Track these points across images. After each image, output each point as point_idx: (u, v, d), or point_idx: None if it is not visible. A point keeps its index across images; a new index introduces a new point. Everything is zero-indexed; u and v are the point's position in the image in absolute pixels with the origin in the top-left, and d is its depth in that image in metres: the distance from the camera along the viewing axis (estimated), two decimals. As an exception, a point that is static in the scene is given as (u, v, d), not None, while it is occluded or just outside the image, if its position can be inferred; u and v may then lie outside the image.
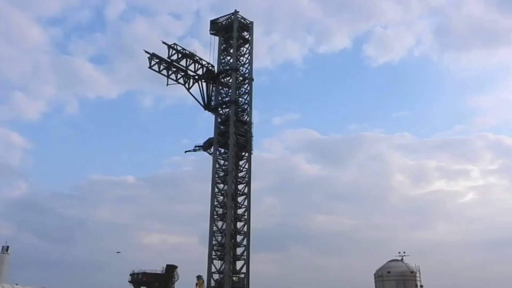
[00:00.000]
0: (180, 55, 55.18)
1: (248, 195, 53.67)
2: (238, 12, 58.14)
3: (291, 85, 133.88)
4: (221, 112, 56.74)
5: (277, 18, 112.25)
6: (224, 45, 58.67)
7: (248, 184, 53.94)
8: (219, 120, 56.51)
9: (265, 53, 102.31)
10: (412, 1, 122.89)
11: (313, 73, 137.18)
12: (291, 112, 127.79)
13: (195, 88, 56.91)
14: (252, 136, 55.81)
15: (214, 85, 57.37)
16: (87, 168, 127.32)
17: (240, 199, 53.94)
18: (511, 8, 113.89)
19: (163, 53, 54.43)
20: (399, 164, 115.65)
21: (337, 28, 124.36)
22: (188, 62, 55.94)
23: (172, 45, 54.96)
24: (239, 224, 52.93)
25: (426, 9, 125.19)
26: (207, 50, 58.71)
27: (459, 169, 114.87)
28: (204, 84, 56.84)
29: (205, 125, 61.24)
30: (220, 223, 52.87)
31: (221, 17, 59.01)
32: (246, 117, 56.82)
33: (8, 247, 53.40)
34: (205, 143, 56.55)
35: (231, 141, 54.29)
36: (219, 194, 54.29)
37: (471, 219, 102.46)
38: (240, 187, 54.20)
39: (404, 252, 45.75)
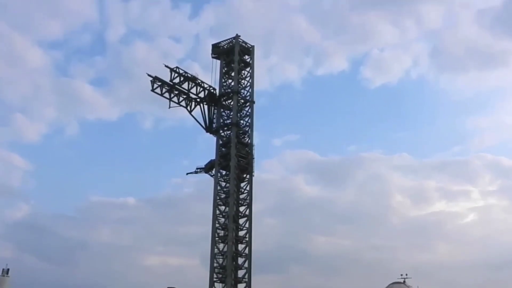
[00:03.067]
0: (182, 78, 54.95)
1: (249, 217, 53.72)
2: (239, 36, 58.65)
3: (290, 107, 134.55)
4: (222, 134, 56.92)
5: (276, 41, 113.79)
6: (225, 68, 59.16)
7: (249, 206, 54.04)
8: (220, 142, 56.62)
9: (265, 75, 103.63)
10: (408, 24, 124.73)
11: (312, 95, 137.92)
12: (291, 133, 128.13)
13: (196, 111, 57.15)
14: (253, 158, 55.83)
15: (215, 107, 57.70)
16: (88, 189, 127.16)
17: (241, 221, 53.94)
18: (503, 31, 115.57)
19: (164, 75, 54.85)
20: (398, 184, 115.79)
21: (335, 50, 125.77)
22: (190, 85, 56.22)
23: (174, 69, 55.28)
24: (241, 247, 52.91)
25: (422, 32, 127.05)
26: (207, 73, 59.31)
27: (459, 190, 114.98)
28: (205, 106, 57.26)
29: (206, 147, 60.37)
30: (221, 245, 52.84)
31: (222, 41, 59.55)
32: (247, 139, 56.93)
33: (8, 269, 52.96)
34: (206, 165, 56.42)
35: (233, 163, 54.28)
36: (220, 216, 54.28)
37: (472, 240, 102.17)
38: (241, 209, 54.23)
39: (406, 274, 45.47)
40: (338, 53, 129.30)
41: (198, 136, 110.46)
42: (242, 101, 56.89)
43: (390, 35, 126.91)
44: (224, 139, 55.53)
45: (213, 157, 55.36)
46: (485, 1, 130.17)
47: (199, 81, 55.25)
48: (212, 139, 56.27)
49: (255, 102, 57.07)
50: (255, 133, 56.24)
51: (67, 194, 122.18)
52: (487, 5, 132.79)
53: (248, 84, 57.35)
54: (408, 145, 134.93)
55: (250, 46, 58.72)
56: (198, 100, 55.69)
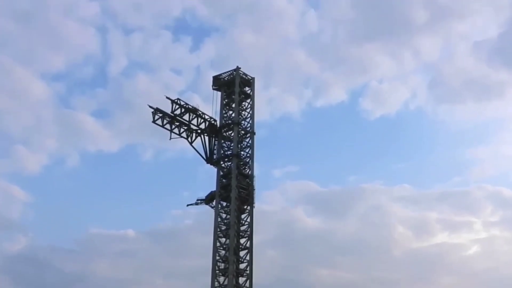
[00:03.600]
0: (183, 110, 54.99)
1: (250, 250, 53.22)
2: (240, 68, 59.16)
3: (290, 138, 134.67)
4: (223, 165, 56.67)
5: (276, 73, 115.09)
6: (226, 100, 59.44)
7: (250, 238, 53.53)
8: (221, 173, 56.30)
9: (265, 107, 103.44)
10: (405, 56, 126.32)
11: (312, 126, 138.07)
12: (291, 164, 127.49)
13: (197, 142, 57.07)
14: (254, 189, 55.64)
15: (216, 138, 57.78)
16: (87, 221, 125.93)
17: (242, 253, 53.43)
18: (500, 63, 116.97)
19: (165, 107, 55.31)
20: (400, 216, 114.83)
21: (334, 82, 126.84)
22: (191, 117, 56.53)
23: (176, 100, 55.57)
24: (241, 280, 52.22)
25: (419, 63, 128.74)
26: (208, 104, 59.64)
27: (461, 221, 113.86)
28: (206, 137, 57.45)
29: (206, 178, 59.89)
30: (222, 279, 52.15)
31: (223, 73, 59.97)
32: (248, 170, 56.67)
33: (4, 303, 51.13)
34: (207, 196, 56.13)
35: (233, 194, 53.91)
36: (221, 248, 53.72)
37: (475, 272, 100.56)
38: (242, 241, 53.70)
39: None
40: (337, 84, 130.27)
41: (198, 167, 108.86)
42: (243, 132, 56.63)
43: (388, 67, 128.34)
44: (225, 170, 54.99)
45: (214, 189, 54.77)
46: (482, 33, 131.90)
47: (200, 112, 55.33)
48: (212, 170, 55.85)
49: (256, 133, 56.89)
50: (255, 164, 55.53)
51: (66, 226, 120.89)
52: (483, 37, 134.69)
53: (249, 115, 57.33)
54: (408, 176, 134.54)
55: (250, 78, 58.70)
56: (199, 131, 55.60)
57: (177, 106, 54.26)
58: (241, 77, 57.78)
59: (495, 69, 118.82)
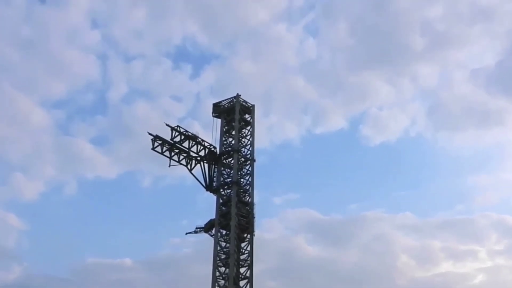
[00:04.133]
0: (183, 137, 54.51)
1: (250, 280, 52.30)
2: (240, 95, 59.38)
3: (290, 165, 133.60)
4: (222, 193, 55.92)
5: (275, 100, 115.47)
6: (226, 127, 58.53)
7: (250, 267, 52.63)
8: (220, 201, 55.65)
9: (265, 134, 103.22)
10: (404, 84, 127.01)
11: (312, 153, 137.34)
12: (291, 192, 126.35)
13: (196, 169, 56.56)
14: (254, 217, 54.89)
15: (216, 166, 57.37)
16: (84, 249, 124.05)
17: (242, 283, 52.50)
18: (498, 90, 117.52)
19: (165, 134, 55.17)
20: (403, 244, 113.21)
21: (333, 109, 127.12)
22: (190, 144, 56.09)
23: (175, 127, 55.45)
24: (242, 310, 49.77)
25: (418, 90, 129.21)
26: (207, 131, 59.60)
27: (466, 250, 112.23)
28: (206, 165, 56.99)
29: (205, 206, 59.62)
30: (221, 309, 49.63)
31: (223, 101, 60.13)
32: (248, 198, 55.97)
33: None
34: (206, 224, 55.26)
35: (233, 222, 53.09)
36: (220, 278, 52.74)
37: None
38: (242, 270, 52.74)
39: None
40: (336, 111, 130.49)
41: (197, 195, 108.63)
42: (243, 159, 56.19)
43: (387, 94, 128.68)
44: (225, 198, 54.34)
45: (213, 216, 54.07)
46: (479, 61, 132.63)
47: (200, 139, 54.99)
48: (212, 198, 55.26)
49: (256, 161, 56.47)
50: (255, 192, 54.81)
51: (62, 254, 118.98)
52: (480, 65, 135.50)
53: (249, 142, 57.07)
54: (411, 203, 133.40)
55: (250, 105, 58.80)
56: (199, 158, 55.16)
57: (177, 133, 54.01)
58: (241, 104, 57.84)
59: (494, 96, 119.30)
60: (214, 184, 55.19)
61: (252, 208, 54.00)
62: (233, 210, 52.62)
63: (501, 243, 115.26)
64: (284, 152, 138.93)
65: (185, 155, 54.56)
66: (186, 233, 57.78)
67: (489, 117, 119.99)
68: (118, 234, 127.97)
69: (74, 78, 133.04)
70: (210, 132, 58.20)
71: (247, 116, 58.77)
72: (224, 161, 56.36)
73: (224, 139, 57.64)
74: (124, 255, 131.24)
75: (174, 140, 53.71)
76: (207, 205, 59.82)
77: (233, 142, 56.80)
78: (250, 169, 55.89)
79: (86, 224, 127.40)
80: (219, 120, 58.84)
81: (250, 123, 58.21)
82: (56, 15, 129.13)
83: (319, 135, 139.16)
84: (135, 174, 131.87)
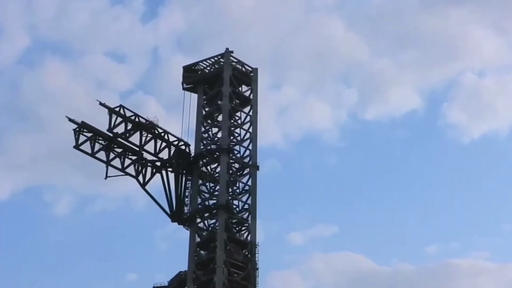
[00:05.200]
0: (130, 126, 44.19)
1: None
2: (232, 52, 48.63)
3: (319, 176, 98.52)
4: (201, 225, 45.18)
5: (294, 61, 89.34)
6: (207, 109, 48.66)
7: None
8: (197, 239, 44.48)
9: (274, 120, 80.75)
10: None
11: (357, 154, 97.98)
12: (322, 222, 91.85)
13: (154, 183, 45.84)
14: (257, 269, 43.34)
15: (188, 176, 46.20)
16: None
17: None
18: None
19: (98, 119, 44.94)
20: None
21: (396, 76, 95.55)
22: (144, 138, 44.72)
23: (117, 109, 44.09)
24: None
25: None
26: (174, 116, 51.95)
27: None
28: (171, 175, 45.55)
29: (169, 247, 50.75)
30: None
31: (202, 61, 49.29)
32: (245, 234, 44.97)
33: None
34: (172, 281, 44.64)
35: (219, 277, 41.28)
36: None
37: None
38: None
39: None
40: (402, 81, 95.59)
41: (156, 228, 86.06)
42: (237, 165, 47.08)
43: (492, 50, 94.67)
44: (204, 233, 45.03)
45: (183, 267, 44.28)
46: None
47: (160, 130, 45.59)
48: (181, 233, 47.18)
49: (260, 168, 46.64)
50: (259, 223, 45.64)
51: None
52: None
53: (248, 136, 47.63)
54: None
55: (250, 69, 49.64)
56: (158, 164, 45.65)
57: (120, 120, 44.42)
58: (234, 68, 48.86)
59: None
60: (186, 209, 45.55)
61: (252, 252, 44.13)
62: (220, 256, 42.14)
63: None
64: (309, 152, 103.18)
65: (133, 158, 45.09)
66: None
67: None
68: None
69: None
70: (178, 118, 48.66)
71: (244, 88, 49.37)
72: (204, 168, 47.20)
73: (203, 129, 48.24)
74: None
75: (115, 131, 44.23)
76: (172, 246, 54.67)
77: (219, 135, 47.85)
78: (249, 182, 46.40)
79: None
80: (194, 97, 48.87)
81: (250, 102, 48.79)
82: None
83: (371, 122, 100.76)
84: (42, 192, 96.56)
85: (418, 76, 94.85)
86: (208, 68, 49.65)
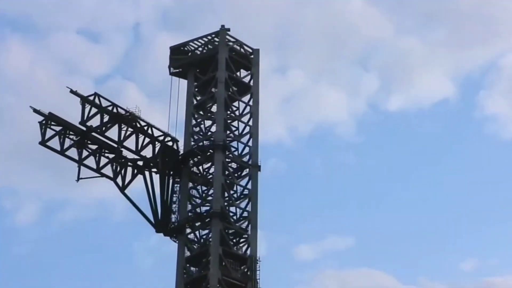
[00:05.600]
0: (106, 118, 40.44)
1: None
2: (228, 30, 44.62)
3: (332, 178, 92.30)
4: (191, 236, 41.65)
5: (303, 40, 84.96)
6: (199, 97, 44.67)
7: None
8: (186, 253, 40.59)
9: (279, 111, 77.72)
10: None
11: (378, 153, 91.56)
12: (335, 233, 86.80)
13: (136, 186, 42.49)
14: None
15: (177, 178, 42.52)
16: None
17: None
18: None
19: (68, 110, 41.81)
20: None
21: (424, 59, 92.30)
22: (123, 133, 40.82)
23: (91, 98, 40.10)
24: None
25: None
26: (160, 106, 50.04)
27: None
28: (156, 177, 41.78)
29: (153, 263, 49.91)
30: None
31: (193, 41, 45.16)
32: (244, 247, 40.92)
33: None
34: None
35: None
36: None
37: None
38: None
39: None
40: (431, 65, 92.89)
41: (137, 239, 78.90)
42: (235, 165, 43.14)
43: None
44: (195, 246, 41.42)
45: (170, 285, 41.10)
46: None
47: (143, 123, 41.93)
48: (168, 247, 44.38)
49: (261, 169, 43.02)
50: (260, 234, 42.19)
51: None
52: None
53: (247, 130, 44.01)
54: None
55: (250, 50, 46.06)
56: (141, 163, 42.04)
57: (94, 111, 40.70)
58: (231, 49, 45.17)
59: None
60: (174, 217, 41.75)
61: (253, 269, 39.86)
62: (214, 274, 38.08)
63: None
64: (319, 151, 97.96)
65: (111, 156, 41.31)
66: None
67: None
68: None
69: None
70: (164, 108, 45.52)
71: (243, 73, 45.83)
72: (196, 168, 43.58)
73: (195, 122, 44.77)
74: None
75: (88, 124, 40.39)
76: (156, 262, 50.69)
77: (213, 128, 43.96)
78: (249, 185, 42.67)
79: None
80: (184, 83, 45.13)
81: (250, 89, 45.04)
82: None
83: (394, 113, 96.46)
84: (0, 196, 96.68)
85: (450, 59, 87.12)
86: (200, 49, 46.18)
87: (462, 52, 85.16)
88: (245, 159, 43.79)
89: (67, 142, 39.92)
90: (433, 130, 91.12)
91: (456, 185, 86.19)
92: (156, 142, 42.45)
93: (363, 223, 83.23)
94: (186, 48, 46.15)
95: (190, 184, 42.90)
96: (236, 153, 44.11)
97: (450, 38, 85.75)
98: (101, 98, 40.83)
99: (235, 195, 42.85)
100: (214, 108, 44.28)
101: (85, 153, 40.43)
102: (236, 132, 45.06)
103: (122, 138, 40.94)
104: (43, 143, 39.24)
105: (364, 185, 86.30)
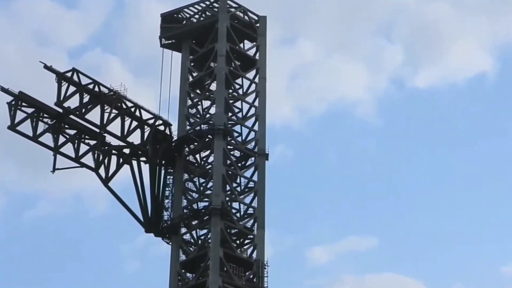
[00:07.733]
0: (87, 98, 36.86)
1: None
2: None
3: (349, 167, 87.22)
4: (186, 236, 38.33)
5: (311, 8, 79.90)
6: (195, 73, 41.42)
7: None
8: (181, 257, 37.42)
9: (287, 89, 73.27)
10: None
11: (403, 137, 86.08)
12: (354, 233, 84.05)
13: (122, 177, 39.58)
14: None
15: (169, 169, 39.48)
16: None
17: None
18: None
19: (42, 89, 40.47)
20: None
21: (457, 27, 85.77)
22: (106, 115, 37.26)
23: (68, 74, 36.29)
24: None
25: None
26: (149, 84, 48.90)
27: None
28: (145, 166, 38.50)
29: (142, 268, 48.17)
30: None
31: (188, 7, 41.36)
32: (250, 249, 37.77)
33: None
34: None
35: None
36: None
37: None
38: None
39: None
40: (465, 34, 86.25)
41: (123, 240, 76.01)
42: (238, 153, 39.79)
43: None
44: (192, 248, 37.85)
45: None
46: None
47: (129, 104, 38.71)
48: (159, 249, 44.90)
49: (269, 157, 39.88)
50: (268, 234, 39.15)
51: None
52: None
53: (252, 112, 40.74)
54: None
55: (255, 18, 42.63)
56: (127, 151, 38.67)
57: (72, 89, 36.77)
58: (233, 17, 41.75)
59: None
60: (166, 214, 38.49)
61: (260, 275, 36.59)
62: (214, 281, 34.84)
63: None
64: (335, 135, 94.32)
65: (92, 143, 38.13)
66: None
67: None
68: None
69: None
70: (155, 86, 45.47)
71: (247, 45, 42.41)
72: (192, 157, 40.30)
73: (190, 103, 41.54)
74: None
75: (66, 105, 36.66)
76: (145, 267, 51.26)
77: (213, 110, 40.61)
78: (255, 177, 38.94)
79: None
80: (177, 57, 41.93)
81: (256, 64, 41.54)
82: None
83: (423, 90, 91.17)
84: None
85: (487, 27, 79.90)
86: (197, 16, 42.97)
87: (501, 19, 78.12)
88: (250, 146, 40.58)
89: (41, 127, 36.98)
90: (469, 111, 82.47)
91: (497, 177, 77.28)
92: (145, 126, 39.28)
93: (387, 221, 76.53)
94: (180, 16, 43.06)
95: (186, 176, 40.08)
96: (239, 139, 41.01)
97: (488, 2, 79.25)
98: (80, 75, 36.99)
99: (238, 189, 39.99)
100: (213, 86, 40.97)
101: (61, 139, 37.45)
102: (239, 114, 41.84)
103: (105, 122, 37.68)
104: (13, 127, 36.18)
105: (387, 176, 79.03)
